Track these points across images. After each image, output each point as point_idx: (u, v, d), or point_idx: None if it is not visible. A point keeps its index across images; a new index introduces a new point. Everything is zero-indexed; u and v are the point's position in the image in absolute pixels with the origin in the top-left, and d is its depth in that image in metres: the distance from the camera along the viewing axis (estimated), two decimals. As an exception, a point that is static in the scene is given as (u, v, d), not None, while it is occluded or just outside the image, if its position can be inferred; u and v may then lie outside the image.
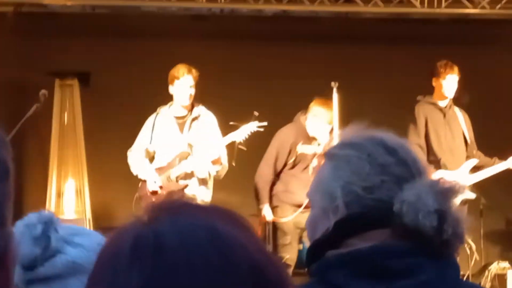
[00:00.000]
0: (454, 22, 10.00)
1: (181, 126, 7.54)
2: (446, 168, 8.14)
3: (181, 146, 7.56)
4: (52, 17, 9.55)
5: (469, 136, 8.35)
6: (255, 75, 9.71)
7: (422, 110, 8.23)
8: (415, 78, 9.22)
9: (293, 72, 9.77)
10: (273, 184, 8.08)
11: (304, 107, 7.97)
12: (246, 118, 7.54)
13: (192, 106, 7.54)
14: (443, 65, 8.02)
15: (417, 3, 9.41)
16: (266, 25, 10.07)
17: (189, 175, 7.44)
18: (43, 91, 7.72)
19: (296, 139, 7.77)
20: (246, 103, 8.59)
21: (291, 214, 7.24)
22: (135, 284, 1.00)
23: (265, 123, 7.40)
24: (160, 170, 7.57)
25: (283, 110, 8.66)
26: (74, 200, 9.32)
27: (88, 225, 8.68)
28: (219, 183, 7.92)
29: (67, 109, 9.43)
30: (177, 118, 7.53)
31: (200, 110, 7.66)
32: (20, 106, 8.39)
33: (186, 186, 7.49)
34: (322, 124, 7.81)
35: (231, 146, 7.44)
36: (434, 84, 8.06)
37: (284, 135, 8.04)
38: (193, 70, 7.41)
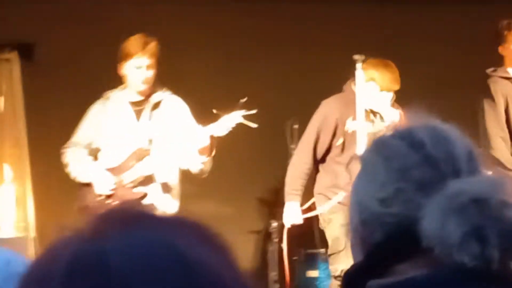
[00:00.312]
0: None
1: (138, 115, 6.61)
2: None
3: (139, 141, 6.61)
4: None
5: None
6: (250, 45, 8.57)
7: (500, 89, 7.10)
8: (477, 46, 8.21)
9: (304, 40, 8.64)
10: (313, 176, 7.01)
11: (319, 91, 7.12)
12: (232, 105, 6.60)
13: (152, 91, 6.57)
14: (506, 25, 7.13)
15: None
16: None
17: (148, 180, 6.50)
18: None
19: (344, 114, 6.67)
20: (236, 86, 7.72)
21: (343, 220, 6.09)
22: None
23: (254, 111, 6.33)
24: (109, 173, 6.74)
25: (290, 95, 8.01)
26: (13, 212, 7.96)
27: (33, 245, 7.38)
28: (200, 192, 7.42)
29: (3, 91, 8.34)
30: (133, 104, 6.58)
31: (164, 95, 6.73)
32: None
33: (144, 195, 6.51)
34: (380, 92, 6.74)
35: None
36: (501, 52, 7.07)
37: (328, 108, 6.93)
38: (152, 44, 6.52)
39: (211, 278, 0.95)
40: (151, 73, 6.54)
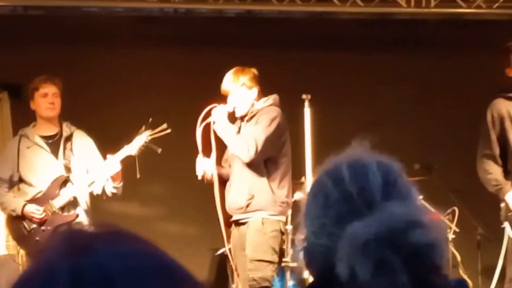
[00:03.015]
0: (444, 23, 9.65)
1: (53, 147, 6.96)
2: None
3: (57, 170, 6.92)
4: None
5: None
6: (212, 84, 8.20)
7: (496, 109, 7.22)
8: (402, 87, 9.05)
9: (264, 84, 8.65)
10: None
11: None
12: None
13: (60, 123, 6.95)
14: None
15: (403, 2, 8.92)
16: (227, 27, 9.57)
17: (73, 204, 6.82)
18: None
19: None
20: (193, 115, 7.56)
21: None
22: None
23: (164, 127, 6.78)
24: (36, 202, 6.81)
25: None
26: (3, 231, 7.89)
27: (22, 263, 7.51)
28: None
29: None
30: (45, 138, 6.92)
31: (69, 127, 7.06)
32: None
33: (76, 216, 6.81)
34: None
35: (133, 160, 6.96)
36: (508, 72, 7.09)
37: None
38: (56, 80, 6.93)
39: (186, 276, 1.01)
40: (58, 101, 6.92)
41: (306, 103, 6.92)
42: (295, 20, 9.71)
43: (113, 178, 6.83)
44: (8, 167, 6.99)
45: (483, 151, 7.05)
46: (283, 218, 6.92)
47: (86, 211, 7.02)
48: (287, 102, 7.19)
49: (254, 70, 6.98)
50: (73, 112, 7.65)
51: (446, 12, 9.30)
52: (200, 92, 8.00)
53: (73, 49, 9.03)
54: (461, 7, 8.99)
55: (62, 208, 6.85)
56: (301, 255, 1.91)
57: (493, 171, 7.24)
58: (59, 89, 7.05)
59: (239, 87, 6.89)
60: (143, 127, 6.96)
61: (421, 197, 4.71)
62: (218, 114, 6.82)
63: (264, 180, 6.85)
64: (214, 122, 6.85)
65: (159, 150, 6.91)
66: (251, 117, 6.99)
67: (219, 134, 6.83)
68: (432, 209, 7.39)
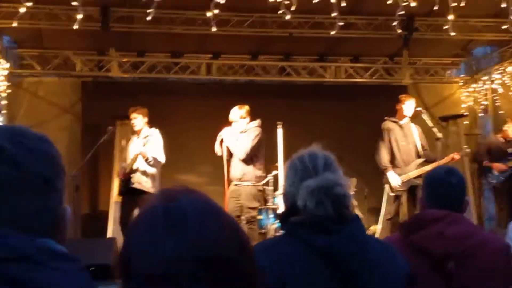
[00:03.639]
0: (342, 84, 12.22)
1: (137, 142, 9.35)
2: (402, 165, 9.10)
3: (136, 150, 9.18)
4: (115, 84, 11.73)
5: (421, 142, 9.16)
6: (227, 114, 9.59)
7: (385, 125, 9.24)
8: (331, 119, 11.97)
9: (255, 116, 9.64)
10: None
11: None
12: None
13: (139, 132, 9.31)
14: (404, 97, 9.31)
15: (327, 75, 12.01)
16: (240, 87, 12.30)
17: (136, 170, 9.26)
18: (110, 127, 9.58)
19: None
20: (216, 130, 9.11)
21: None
22: (172, 242, 1.32)
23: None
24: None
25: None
26: None
27: None
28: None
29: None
30: (136, 134, 9.42)
31: (150, 131, 9.26)
32: (96, 137, 9.79)
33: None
34: None
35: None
36: (397, 108, 9.25)
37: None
38: (139, 109, 9.27)
39: (235, 224, 1.43)
40: (136, 121, 9.06)
41: (279, 127, 8.94)
42: (271, 86, 12.36)
43: (142, 156, 8.98)
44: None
45: (381, 146, 9.12)
46: (260, 185, 8.76)
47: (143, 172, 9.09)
48: (269, 125, 9.03)
49: (247, 107, 8.75)
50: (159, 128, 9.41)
51: (350, 81, 12.23)
52: (222, 119, 9.02)
53: (159, 98, 11.40)
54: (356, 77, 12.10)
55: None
56: (281, 197, 3.36)
57: (385, 158, 9.06)
58: (140, 114, 9.21)
59: (239, 118, 8.65)
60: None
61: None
62: (225, 133, 8.61)
63: (250, 166, 8.65)
64: (221, 136, 8.62)
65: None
66: (245, 132, 8.69)
67: (226, 143, 8.59)
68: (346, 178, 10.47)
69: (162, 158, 9.09)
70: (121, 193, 9.49)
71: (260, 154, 8.67)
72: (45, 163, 1.26)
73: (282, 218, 2.65)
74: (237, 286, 1.46)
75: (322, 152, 2.64)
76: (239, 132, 8.58)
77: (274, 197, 8.73)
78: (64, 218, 1.31)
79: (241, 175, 8.52)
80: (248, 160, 8.56)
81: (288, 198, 2.62)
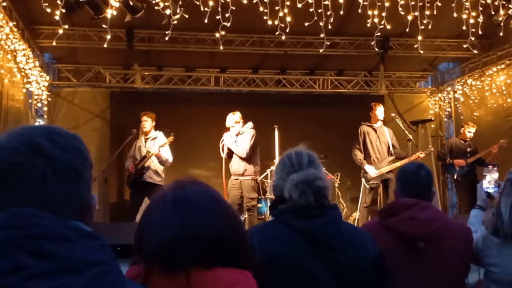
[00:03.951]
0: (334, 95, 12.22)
1: (145, 141, 9.35)
2: (376, 162, 9.06)
3: (145, 150, 9.18)
4: (138, 93, 11.62)
5: (392, 142, 9.15)
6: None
7: (361, 129, 9.27)
8: (319, 123, 11.80)
9: (253, 119, 9.65)
10: None
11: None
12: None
13: (150, 132, 9.30)
14: (375, 104, 9.32)
15: (316, 86, 12.01)
16: (243, 97, 12.18)
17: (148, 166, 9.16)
18: (133, 130, 9.46)
19: None
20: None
21: None
22: (177, 218, 1.45)
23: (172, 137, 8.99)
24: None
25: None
26: None
27: None
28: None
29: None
30: (145, 139, 9.39)
31: (156, 133, 9.24)
32: (122, 138, 10.00)
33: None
34: None
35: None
36: (371, 114, 9.28)
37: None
38: (149, 114, 9.25)
39: (231, 209, 1.55)
40: (146, 124, 9.00)
41: (276, 129, 9.01)
42: (268, 95, 12.35)
43: (156, 157, 8.94)
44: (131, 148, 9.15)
45: (355, 146, 9.20)
46: (256, 178, 8.76)
47: (154, 171, 9.04)
48: (267, 128, 9.13)
49: (238, 112, 8.69)
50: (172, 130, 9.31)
51: (335, 91, 12.16)
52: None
53: (175, 105, 11.53)
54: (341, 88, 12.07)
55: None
56: (272, 189, 2.64)
57: (359, 155, 9.14)
58: (150, 118, 9.10)
59: (234, 123, 8.64)
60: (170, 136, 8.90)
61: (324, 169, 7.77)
62: (226, 138, 8.64)
63: (249, 162, 8.64)
64: (223, 141, 8.65)
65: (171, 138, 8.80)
66: (241, 134, 8.65)
67: (227, 146, 8.62)
68: (327, 173, 9.65)
69: (171, 158, 9.13)
70: (130, 185, 9.38)
71: (257, 152, 8.64)
72: (76, 157, 1.26)
73: (272, 206, 2.63)
74: (233, 261, 1.48)
75: (306, 150, 2.64)
76: (235, 135, 8.58)
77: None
78: (91, 204, 1.32)
79: (243, 171, 8.47)
80: (248, 158, 8.50)
81: (277, 189, 2.60)
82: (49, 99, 11.12)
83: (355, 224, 9.02)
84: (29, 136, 1.25)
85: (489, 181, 3.77)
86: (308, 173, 2.49)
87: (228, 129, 8.60)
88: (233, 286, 1.47)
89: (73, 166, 1.24)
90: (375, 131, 9.17)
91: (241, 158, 8.50)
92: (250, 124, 8.60)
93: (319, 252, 2.44)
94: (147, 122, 9.11)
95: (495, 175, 3.79)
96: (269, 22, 7.78)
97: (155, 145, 9.04)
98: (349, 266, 2.48)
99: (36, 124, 10.52)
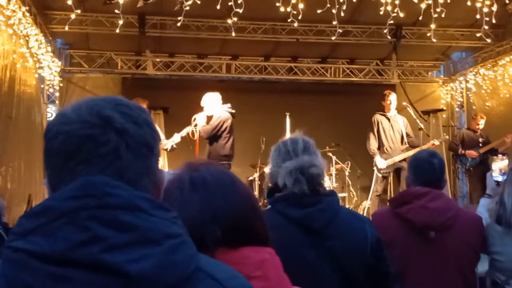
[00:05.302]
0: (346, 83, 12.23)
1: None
2: (389, 151, 9.12)
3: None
4: (149, 80, 11.63)
5: (406, 131, 9.18)
6: (248, 108, 11.03)
7: (375, 117, 9.35)
8: (330, 111, 12.09)
9: (265, 106, 11.67)
10: None
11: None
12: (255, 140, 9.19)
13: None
14: (388, 92, 9.40)
15: (327, 74, 12.07)
16: (255, 84, 12.31)
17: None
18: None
19: None
20: (246, 119, 10.06)
21: None
22: (197, 199, 1.49)
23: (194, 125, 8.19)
24: None
25: (265, 126, 10.16)
26: None
27: None
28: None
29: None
30: None
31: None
32: None
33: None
34: None
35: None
36: (383, 103, 9.35)
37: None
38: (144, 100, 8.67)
39: (248, 190, 1.60)
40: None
41: (288, 117, 9.15)
42: (280, 83, 12.24)
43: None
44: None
45: (370, 135, 9.20)
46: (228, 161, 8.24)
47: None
48: (279, 115, 9.34)
49: (218, 94, 8.41)
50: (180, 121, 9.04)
51: (347, 80, 12.11)
52: (239, 110, 8.90)
53: (187, 93, 10.77)
54: (353, 76, 12.05)
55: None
56: (269, 176, 2.61)
57: (373, 144, 9.14)
58: (144, 104, 8.28)
59: (208, 103, 8.36)
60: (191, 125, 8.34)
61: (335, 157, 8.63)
62: (198, 118, 8.33)
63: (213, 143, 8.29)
64: (195, 120, 8.38)
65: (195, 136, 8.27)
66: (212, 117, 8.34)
67: (198, 126, 8.33)
68: (337, 161, 9.82)
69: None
70: None
71: (223, 136, 8.43)
72: (146, 130, 1.22)
73: (268, 194, 2.63)
74: (254, 240, 1.52)
75: (302, 137, 2.63)
76: (208, 117, 8.50)
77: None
78: (161, 180, 1.29)
79: (207, 154, 8.36)
80: (210, 140, 8.43)
81: (273, 176, 2.58)
82: (61, 85, 11.16)
83: (365, 214, 9.09)
84: (98, 107, 1.21)
85: (499, 170, 3.74)
86: (302, 160, 2.47)
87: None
88: (261, 264, 1.49)
89: (144, 140, 1.20)
90: (389, 120, 9.22)
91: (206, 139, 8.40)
92: (224, 106, 8.41)
93: (314, 241, 2.43)
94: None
95: (505, 164, 3.77)
96: (282, 9, 7.78)
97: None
98: (347, 252, 2.45)
99: (50, 108, 10.89)
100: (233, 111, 8.40)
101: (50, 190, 1.19)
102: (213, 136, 8.19)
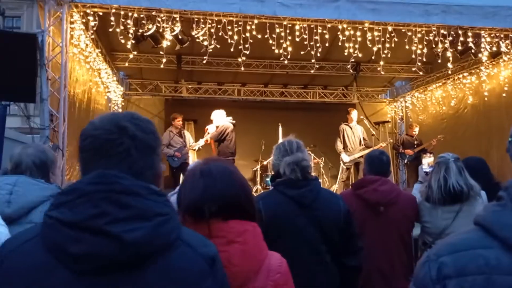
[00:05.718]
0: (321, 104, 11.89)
1: (178, 134, 8.85)
2: (351, 150, 8.84)
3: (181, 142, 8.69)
4: (184, 100, 11.25)
5: (363, 136, 8.91)
6: (252, 120, 10.85)
7: (343, 128, 9.12)
8: (310, 123, 11.26)
9: (263, 119, 10.89)
10: None
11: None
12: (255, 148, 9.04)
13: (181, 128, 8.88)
14: (351, 109, 9.23)
15: (308, 97, 11.73)
16: (257, 103, 11.75)
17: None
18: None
19: None
20: (247, 133, 9.71)
21: None
22: (202, 183, 1.45)
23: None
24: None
25: (264, 132, 9.79)
26: None
27: None
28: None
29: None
30: (178, 133, 8.87)
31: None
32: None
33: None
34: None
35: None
36: (348, 116, 9.10)
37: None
38: (179, 116, 8.75)
39: (243, 180, 1.49)
40: (180, 123, 8.47)
41: (280, 126, 9.09)
42: (274, 102, 11.73)
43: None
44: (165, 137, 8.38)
45: (337, 139, 9.01)
46: (233, 157, 7.79)
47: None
48: (273, 126, 9.17)
49: (223, 111, 8.03)
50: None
51: (322, 101, 11.79)
52: (247, 122, 9.32)
53: (210, 110, 8.70)
54: (326, 97, 11.75)
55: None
56: (272, 167, 2.48)
57: (339, 145, 8.98)
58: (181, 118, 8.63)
59: (216, 117, 8.07)
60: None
61: (313, 155, 8.06)
62: (210, 128, 8.04)
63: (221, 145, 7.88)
64: (207, 130, 8.10)
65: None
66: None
67: (210, 135, 7.96)
68: (315, 157, 9.66)
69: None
70: (177, 166, 8.80)
71: (229, 138, 7.98)
72: (151, 137, 1.21)
73: (271, 179, 2.58)
74: (243, 217, 1.46)
75: (295, 139, 2.56)
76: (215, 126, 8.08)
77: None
78: (160, 173, 1.26)
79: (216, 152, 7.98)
80: (220, 142, 8.02)
81: (275, 167, 2.52)
82: (123, 104, 11.00)
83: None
84: (117, 120, 1.22)
85: (427, 164, 3.76)
86: (296, 156, 2.41)
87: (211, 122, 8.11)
88: (244, 233, 1.44)
89: (149, 144, 1.19)
90: (351, 128, 9.00)
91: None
92: (228, 120, 7.96)
93: (305, 212, 2.37)
94: (180, 122, 8.85)
95: (432, 159, 3.76)
96: (276, 51, 7.63)
97: (187, 138, 8.77)
98: (327, 220, 2.40)
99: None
100: (234, 121, 8.06)
101: (81, 175, 1.19)
102: (220, 140, 7.89)
